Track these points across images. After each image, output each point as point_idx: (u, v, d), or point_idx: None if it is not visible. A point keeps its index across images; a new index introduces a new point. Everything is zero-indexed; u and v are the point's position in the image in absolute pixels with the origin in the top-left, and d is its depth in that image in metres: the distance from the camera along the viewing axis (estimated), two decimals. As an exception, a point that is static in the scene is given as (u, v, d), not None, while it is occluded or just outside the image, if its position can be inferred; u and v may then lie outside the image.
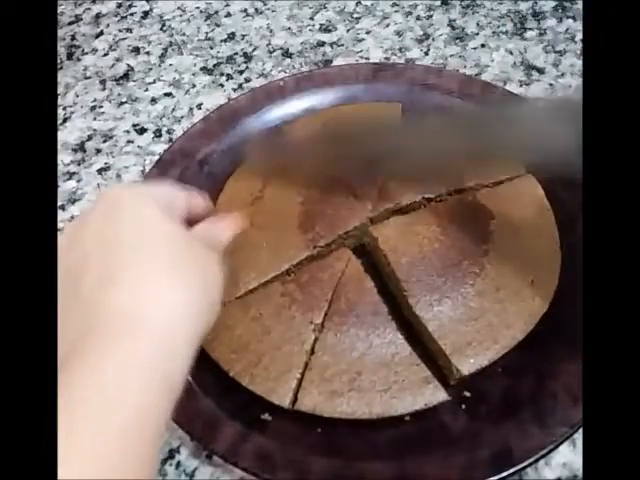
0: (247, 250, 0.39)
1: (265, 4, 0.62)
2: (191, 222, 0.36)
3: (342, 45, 0.57)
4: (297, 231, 0.39)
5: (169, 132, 0.52)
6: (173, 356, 0.27)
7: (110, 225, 0.30)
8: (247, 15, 0.61)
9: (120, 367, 0.25)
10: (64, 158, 0.51)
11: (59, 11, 0.63)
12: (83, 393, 0.24)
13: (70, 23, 0.62)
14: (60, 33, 0.61)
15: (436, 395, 0.33)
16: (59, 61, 0.58)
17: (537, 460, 0.31)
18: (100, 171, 0.50)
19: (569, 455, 0.34)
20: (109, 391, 0.24)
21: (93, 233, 0.30)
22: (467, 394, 0.34)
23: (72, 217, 0.47)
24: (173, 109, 0.53)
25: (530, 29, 0.57)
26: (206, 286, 0.30)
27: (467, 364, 0.34)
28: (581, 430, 0.31)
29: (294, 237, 0.39)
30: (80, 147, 0.51)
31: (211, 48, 0.58)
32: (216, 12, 0.62)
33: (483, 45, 0.56)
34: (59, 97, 0.55)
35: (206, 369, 0.35)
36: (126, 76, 0.57)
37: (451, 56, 0.55)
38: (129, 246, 0.29)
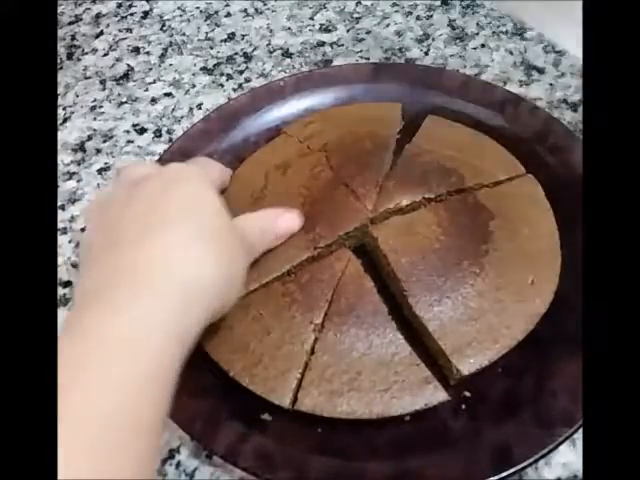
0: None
1: (265, 4, 0.62)
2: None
3: (342, 45, 0.57)
4: (298, 231, 0.39)
5: (169, 132, 0.52)
6: (190, 317, 0.28)
7: (163, 193, 0.32)
8: (247, 15, 0.61)
9: (142, 313, 0.26)
10: (64, 158, 0.51)
11: (59, 11, 0.63)
12: (105, 337, 0.25)
13: (70, 23, 0.62)
14: (60, 33, 0.61)
15: (436, 395, 0.33)
16: (59, 61, 0.58)
17: (537, 460, 0.31)
18: (100, 171, 0.50)
19: (569, 455, 0.34)
20: (128, 339, 0.25)
21: (145, 198, 0.32)
22: (467, 394, 0.34)
23: (72, 217, 0.47)
24: (173, 109, 0.53)
25: (530, 29, 0.57)
26: (232, 269, 0.32)
27: (467, 364, 0.33)
28: (581, 430, 0.31)
29: (295, 237, 0.39)
30: (80, 147, 0.51)
31: (211, 48, 0.58)
32: (216, 12, 0.62)
33: (483, 45, 0.56)
34: (59, 97, 0.55)
35: (206, 369, 0.35)
36: (126, 76, 0.57)
37: (451, 56, 0.55)
38: (171, 211, 0.31)
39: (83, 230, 0.44)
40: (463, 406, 0.34)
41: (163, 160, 0.45)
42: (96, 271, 0.29)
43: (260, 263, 0.38)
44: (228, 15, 0.62)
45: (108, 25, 0.62)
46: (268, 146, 0.46)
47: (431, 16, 0.59)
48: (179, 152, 0.45)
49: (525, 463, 0.30)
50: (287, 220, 0.37)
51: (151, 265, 0.28)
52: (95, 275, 0.28)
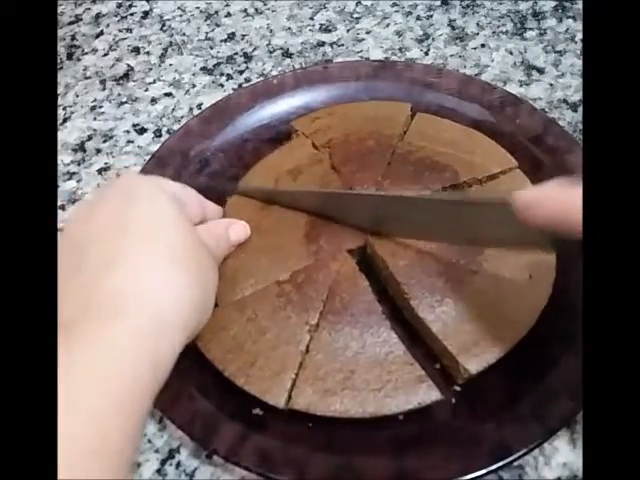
0: (249, 254, 0.39)
1: (265, 4, 0.62)
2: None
3: (342, 45, 0.57)
4: (302, 240, 0.39)
5: (169, 132, 0.51)
6: (163, 336, 0.28)
7: (123, 209, 0.31)
8: (247, 15, 0.61)
9: (112, 342, 0.26)
10: (64, 158, 0.51)
11: (59, 11, 0.63)
12: (77, 365, 0.25)
13: (70, 23, 0.62)
14: (60, 33, 0.61)
15: (429, 394, 0.33)
16: (59, 61, 0.58)
17: (536, 457, 0.31)
18: (100, 171, 0.50)
19: (569, 455, 0.33)
20: (101, 364, 0.25)
21: (105, 214, 0.31)
22: (466, 392, 0.34)
23: (72, 217, 0.46)
24: (173, 109, 0.53)
25: (530, 29, 0.57)
26: (202, 284, 0.32)
27: (474, 363, 0.33)
28: (581, 430, 0.31)
29: (297, 246, 0.39)
30: (80, 147, 0.51)
31: (211, 48, 0.58)
32: (216, 12, 0.62)
33: (483, 45, 0.56)
34: (59, 97, 0.55)
35: (204, 370, 0.35)
36: (126, 76, 0.57)
37: (451, 56, 0.55)
38: (136, 232, 0.30)
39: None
40: (462, 404, 0.34)
41: (157, 157, 0.45)
42: (62, 301, 0.28)
43: (259, 268, 0.38)
44: (228, 15, 0.62)
45: (108, 25, 0.62)
46: (280, 149, 0.45)
47: (431, 16, 0.59)
48: (172, 150, 0.45)
49: (524, 460, 0.30)
50: (238, 229, 0.38)
51: (117, 297, 0.28)
52: (61, 305, 0.28)
